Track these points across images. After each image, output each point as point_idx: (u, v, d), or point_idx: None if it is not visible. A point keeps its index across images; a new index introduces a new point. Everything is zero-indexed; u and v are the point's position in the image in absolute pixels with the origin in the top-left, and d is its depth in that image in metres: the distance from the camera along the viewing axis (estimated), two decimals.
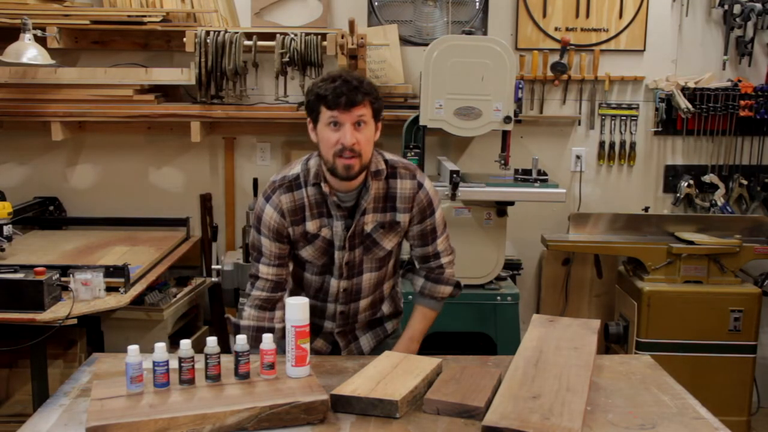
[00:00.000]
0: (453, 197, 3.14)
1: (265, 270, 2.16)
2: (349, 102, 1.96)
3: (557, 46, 3.84)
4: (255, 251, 2.18)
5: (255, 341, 1.96)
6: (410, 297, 2.44)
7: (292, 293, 2.24)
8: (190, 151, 3.93)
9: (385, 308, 2.35)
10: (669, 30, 3.89)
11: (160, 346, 1.73)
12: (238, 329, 2.15)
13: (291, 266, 2.23)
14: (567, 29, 3.86)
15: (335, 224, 2.12)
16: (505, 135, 3.32)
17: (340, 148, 1.98)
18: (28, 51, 3.24)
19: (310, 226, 2.13)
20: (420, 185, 2.17)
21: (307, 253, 2.16)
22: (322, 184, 2.09)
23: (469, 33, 3.36)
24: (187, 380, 1.75)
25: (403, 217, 2.17)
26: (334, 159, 2.01)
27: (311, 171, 2.11)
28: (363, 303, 2.26)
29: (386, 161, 2.16)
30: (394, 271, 2.34)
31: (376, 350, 2.29)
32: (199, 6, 3.65)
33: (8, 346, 2.74)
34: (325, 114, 1.99)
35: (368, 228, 2.15)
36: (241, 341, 1.81)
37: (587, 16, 3.86)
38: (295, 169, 2.15)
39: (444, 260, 2.29)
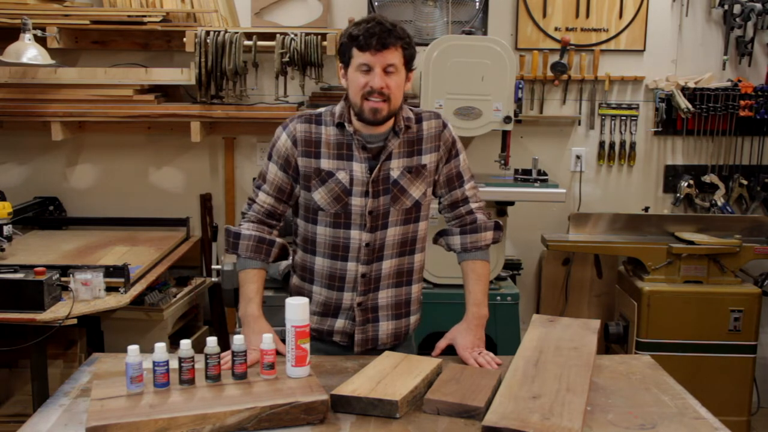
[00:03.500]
0: None
1: (263, 198, 2.14)
2: (381, 43, 1.95)
3: (557, 46, 3.84)
4: (260, 178, 2.17)
5: (255, 251, 2.10)
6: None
7: (306, 253, 2.17)
8: (190, 151, 3.93)
9: (414, 290, 2.23)
10: (669, 30, 3.89)
11: (160, 346, 1.73)
12: (237, 237, 2.11)
13: (300, 222, 2.17)
14: (567, 29, 3.86)
15: (355, 167, 2.07)
16: (505, 135, 3.32)
17: (369, 90, 1.98)
18: (28, 51, 3.24)
19: (325, 164, 2.08)
20: (444, 125, 2.17)
21: (319, 195, 2.09)
22: (347, 125, 2.07)
23: (469, 33, 3.36)
24: (187, 380, 1.75)
25: (428, 159, 2.13)
26: (361, 102, 2.01)
27: (336, 113, 2.10)
28: (386, 265, 2.14)
29: (411, 110, 2.17)
30: (423, 242, 2.22)
31: (394, 348, 2.18)
32: (199, 6, 3.65)
33: (8, 346, 2.73)
34: (357, 58, 1.99)
35: (395, 174, 2.09)
36: (238, 341, 1.80)
37: (587, 16, 3.86)
38: (320, 110, 2.16)
39: (473, 205, 2.22)
